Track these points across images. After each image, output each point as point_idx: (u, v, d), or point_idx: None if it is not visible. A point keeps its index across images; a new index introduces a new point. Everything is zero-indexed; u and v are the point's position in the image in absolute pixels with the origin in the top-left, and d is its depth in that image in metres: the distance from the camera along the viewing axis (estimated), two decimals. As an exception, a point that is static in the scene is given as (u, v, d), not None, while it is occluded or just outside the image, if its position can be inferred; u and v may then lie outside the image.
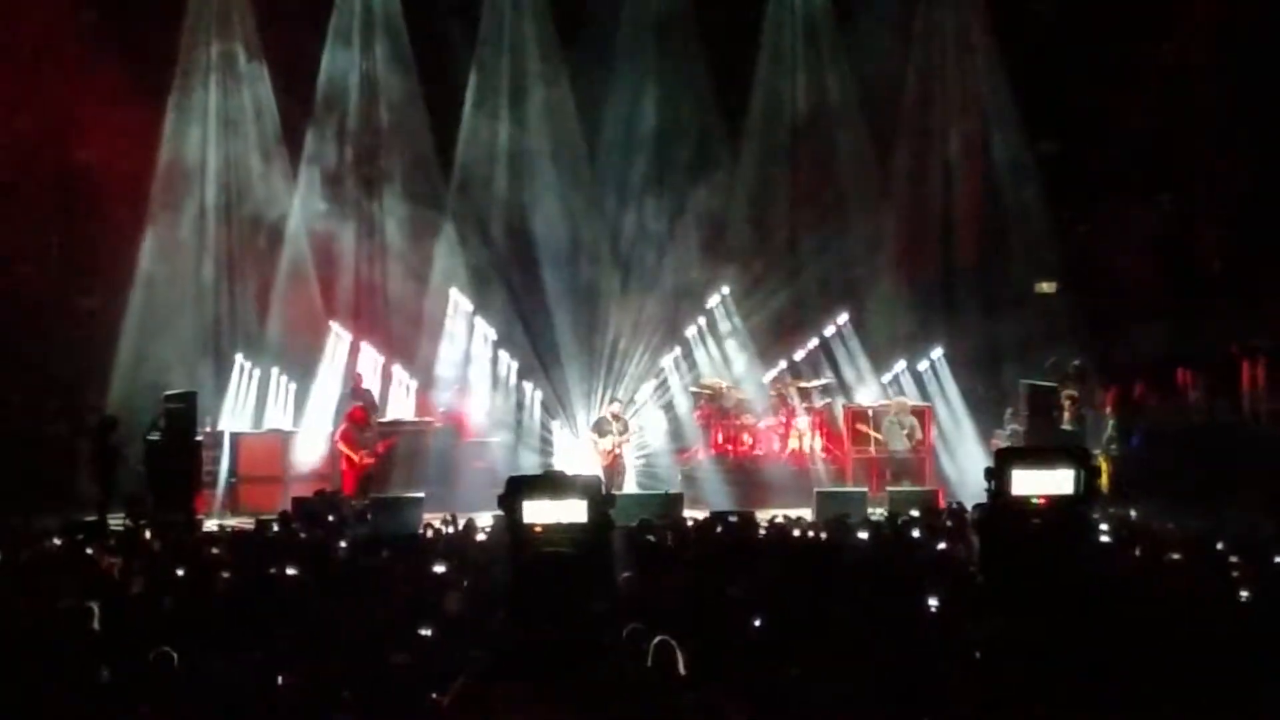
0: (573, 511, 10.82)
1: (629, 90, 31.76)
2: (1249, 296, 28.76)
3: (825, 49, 32.00)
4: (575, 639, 9.84)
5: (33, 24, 28.19)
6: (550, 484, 11.34)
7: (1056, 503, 11.72)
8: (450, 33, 31.52)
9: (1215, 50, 28.80)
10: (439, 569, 15.17)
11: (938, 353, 30.58)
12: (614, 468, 27.84)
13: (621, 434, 28.17)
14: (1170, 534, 18.08)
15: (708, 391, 30.62)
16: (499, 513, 13.03)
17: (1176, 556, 15.37)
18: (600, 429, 28.41)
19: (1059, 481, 11.83)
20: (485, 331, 30.91)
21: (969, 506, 19.61)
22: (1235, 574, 14.03)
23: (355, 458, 27.07)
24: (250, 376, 29.98)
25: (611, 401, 29.37)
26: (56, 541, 18.78)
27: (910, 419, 28.79)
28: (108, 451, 25.31)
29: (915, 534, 18.42)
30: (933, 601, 12.36)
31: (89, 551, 17.20)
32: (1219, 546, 16.08)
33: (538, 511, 10.82)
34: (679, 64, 31.68)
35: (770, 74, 32.19)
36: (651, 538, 17.80)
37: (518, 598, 10.62)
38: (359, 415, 27.67)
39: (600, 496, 11.05)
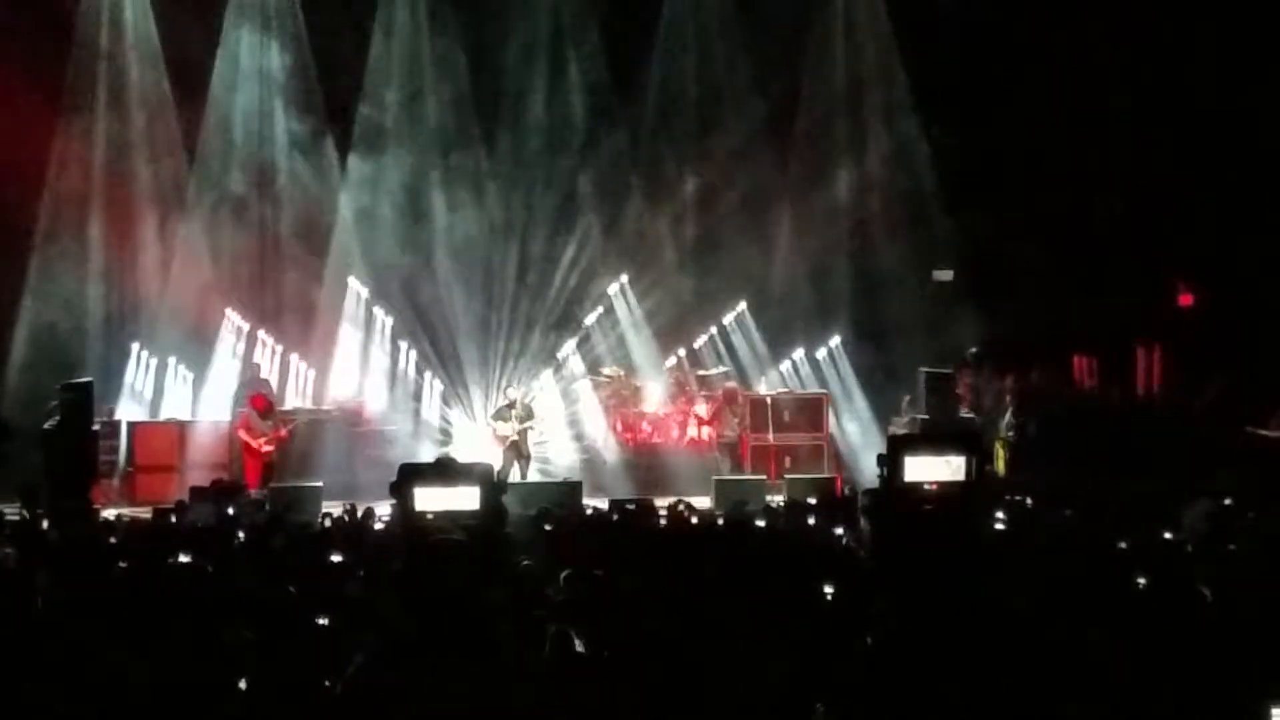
0: (464, 499, 10.81)
1: (526, 71, 31.65)
2: (1142, 283, 29.08)
3: (722, 34, 31.98)
4: (469, 627, 9.83)
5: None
6: (441, 471, 11.33)
7: (948, 489, 11.81)
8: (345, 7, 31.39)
9: (1114, 33, 29.00)
10: (336, 558, 15.12)
11: (835, 340, 30.74)
12: (516, 454, 27.85)
13: (523, 420, 28.16)
14: (1063, 520, 18.21)
15: (607, 379, 30.68)
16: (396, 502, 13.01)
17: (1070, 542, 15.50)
18: (500, 415, 28.40)
19: (951, 468, 11.91)
20: (383, 319, 30.80)
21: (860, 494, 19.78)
22: (1126, 559, 14.16)
23: (255, 445, 26.99)
24: (147, 365, 29.80)
25: (506, 388, 29.36)
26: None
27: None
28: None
29: (811, 521, 18.51)
30: (828, 589, 12.40)
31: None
32: (1112, 531, 16.21)
33: (429, 499, 10.81)
34: (577, 45, 31.66)
35: (668, 57, 32.12)
36: (549, 526, 17.83)
37: (411, 585, 10.60)
38: (260, 403, 27.61)
39: (493, 483, 11.06)
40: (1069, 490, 20.66)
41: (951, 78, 29.85)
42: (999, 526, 17.23)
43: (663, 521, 19.75)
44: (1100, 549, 14.83)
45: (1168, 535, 15.54)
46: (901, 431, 25.77)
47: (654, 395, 30.96)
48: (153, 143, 30.66)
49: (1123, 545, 15.00)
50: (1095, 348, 30.05)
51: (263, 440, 27.02)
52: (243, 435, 27.25)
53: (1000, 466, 26.64)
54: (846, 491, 23.73)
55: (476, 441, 29.05)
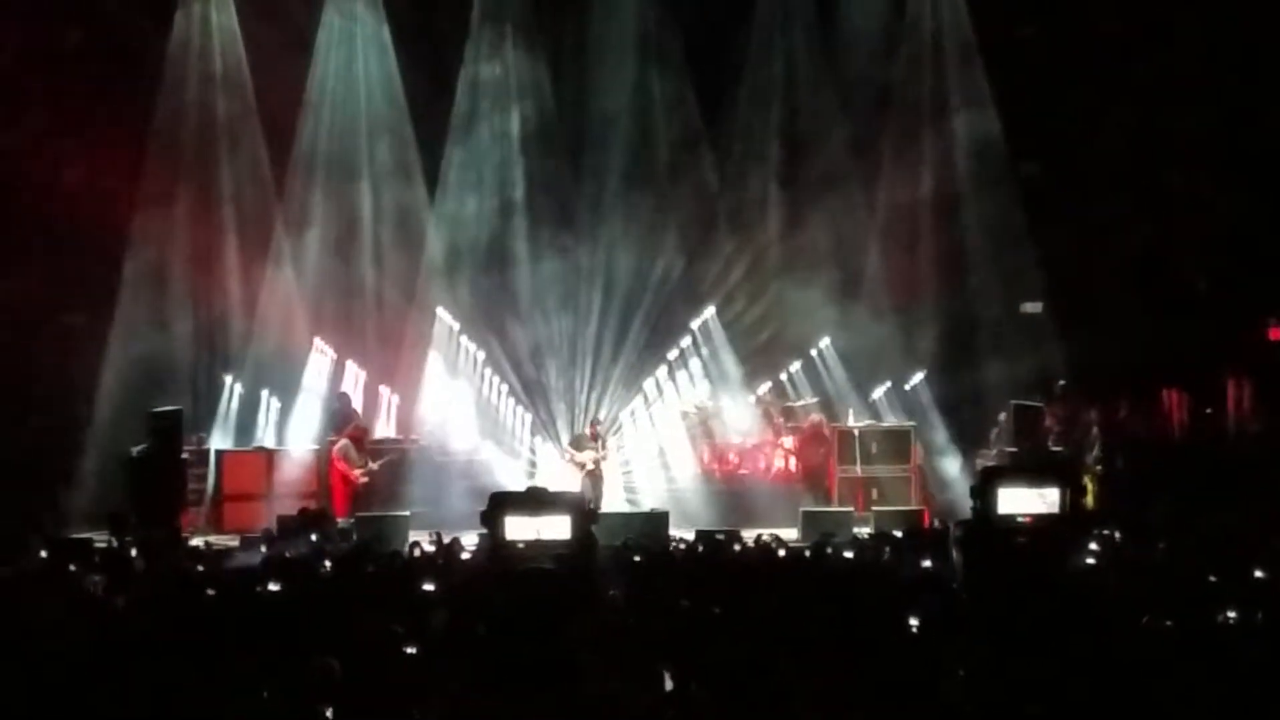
0: (555, 528, 10.80)
1: (612, 99, 31.69)
2: (1233, 316, 28.80)
3: (808, 64, 31.97)
4: (557, 657, 9.80)
5: (13, 40, 28.11)
6: (533, 500, 11.34)
7: (1042, 521, 11.71)
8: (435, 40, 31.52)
9: (1198, 69, 28.79)
10: (427, 587, 15.12)
11: (923, 373, 30.56)
12: (593, 484, 27.89)
13: (600, 450, 28.22)
14: (1153, 553, 18.03)
15: (694, 411, 30.63)
16: (485, 530, 12.98)
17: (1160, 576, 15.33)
18: (578, 444, 28.48)
19: (1045, 500, 11.82)
20: (472, 350, 30.86)
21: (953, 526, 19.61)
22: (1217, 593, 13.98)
23: (353, 476, 27.08)
24: (235, 394, 29.94)
25: (594, 421, 29.40)
26: (43, 555, 18.75)
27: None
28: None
29: (899, 553, 18.39)
30: (913, 621, 12.30)
31: (72, 569, 17.13)
32: (1203, 566, 16.03)
33: (520, 528, 10.80)
34: (663, 73, 31.71)
35: (754, 88, 32.15)
36: (638, 557, 17.78)
37: (499, 614, 10.57)
38: (358, 435, 27.74)
39: (584, 513, 11.04)
40: (1158, 524, 20.47)
41: (1038, 107, 29.66)
42: (1090, 560, 17.09)
43: (750, 552, 19.68)
44: (1191, 583, 14.67)
45: (1259, 573, 15.35)
46: (992, 464, 25.59)
47: (742, 426, 30.83)
48: (241, 174, 30.79)
49: (1213, 579, 14.84)
50: (1185, 380, 29.74)
51: (359, 472, 27.12)
52: (340, 465, 27.34)
53: (1089, 500, 26.39)
54: (935, 524, 23.52)
55: (559, 471, 29.02)
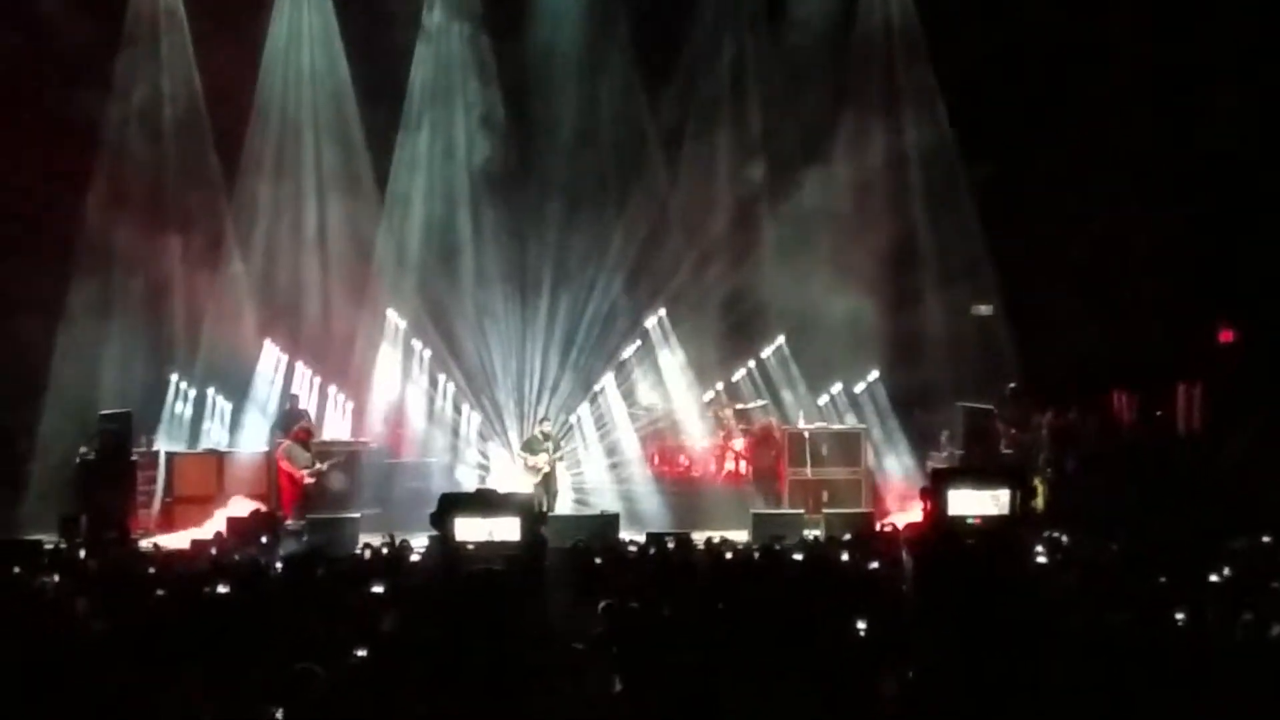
0: (505, 529, 10.78)
1: (560, 100, 31.65)
2: (1183, 319, 28.92)
3: (757, 61, 32.06)
4: (507, 658, 9.80)
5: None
6: (482, 502, 11.32)
7: (992, 523, 11.75)
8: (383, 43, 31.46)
9: (1149, 71, 28.94)
10: (377, 589, 15.08)
11: (874, 375, 30.60)
12: (545, 485, 27.92)
13: (554, 452, 28.25)
14: (1104, 555, 18.12)
15: (645, 413, 30.66)
16: (435, 532, 12.97)
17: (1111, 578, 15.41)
18: (531, 447, 28.49)
19: (996, 503, 11.85)
20: (420, 351, 30.81)
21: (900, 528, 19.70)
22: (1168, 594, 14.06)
23: (297, 475, 27.03)
24: (185, 396, 29.84)
25: (542, 420, 29.38)
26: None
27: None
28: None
29: (846, 556, 18.43)
30: (860, 625, 12.32)
31: (16, 571, 17.06)
32: (1151, 567, 16.11)
33: (470, 529, 10.78)
34: (610, 70, 31.71)
35: (704, 91, 32.15)
36: (586, 558, 17.79)
37: (448, 615, 10.57)
38: (303, 435, 27.69)
39: (533, 515, 11.04)
40: (1108, 527, 20.57)
41: (990, 111, 29.74)
42: (1040, 560, 17.17)
43: (700, 555, 19.70)
44: (1140, 585, 14.75)
45: (1213, 577, 15.43)
46: (942, 465, 25.68)
47: (692, 429, 30.85)
48: (190, 173, 30.65)
49: (1163, 580, 14.91)
50: (1135, 384, 29.84)
51: (304, 473, 27.07)
52: (285, 466, 27.30)
53: (1039, 502, 26.49)
54: (884, 526, 23.59)
55: (512, 474, 29.01)
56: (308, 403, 29.92)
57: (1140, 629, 12.01)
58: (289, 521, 25.27)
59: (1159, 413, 29.33)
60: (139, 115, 30.54)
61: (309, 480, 27.13)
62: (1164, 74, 28.90)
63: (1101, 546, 18.70)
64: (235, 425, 30.17)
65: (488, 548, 10.69)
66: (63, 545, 21.52)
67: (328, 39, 31.41)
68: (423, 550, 19.23)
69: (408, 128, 31.69)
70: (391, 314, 30.94)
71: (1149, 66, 29.07)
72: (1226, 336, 29.80)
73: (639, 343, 31.33)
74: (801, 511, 27.03)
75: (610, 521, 25.34)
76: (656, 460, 30.35)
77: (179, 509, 27.90)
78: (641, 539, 21.91)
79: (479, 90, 31.69)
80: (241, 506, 26.23)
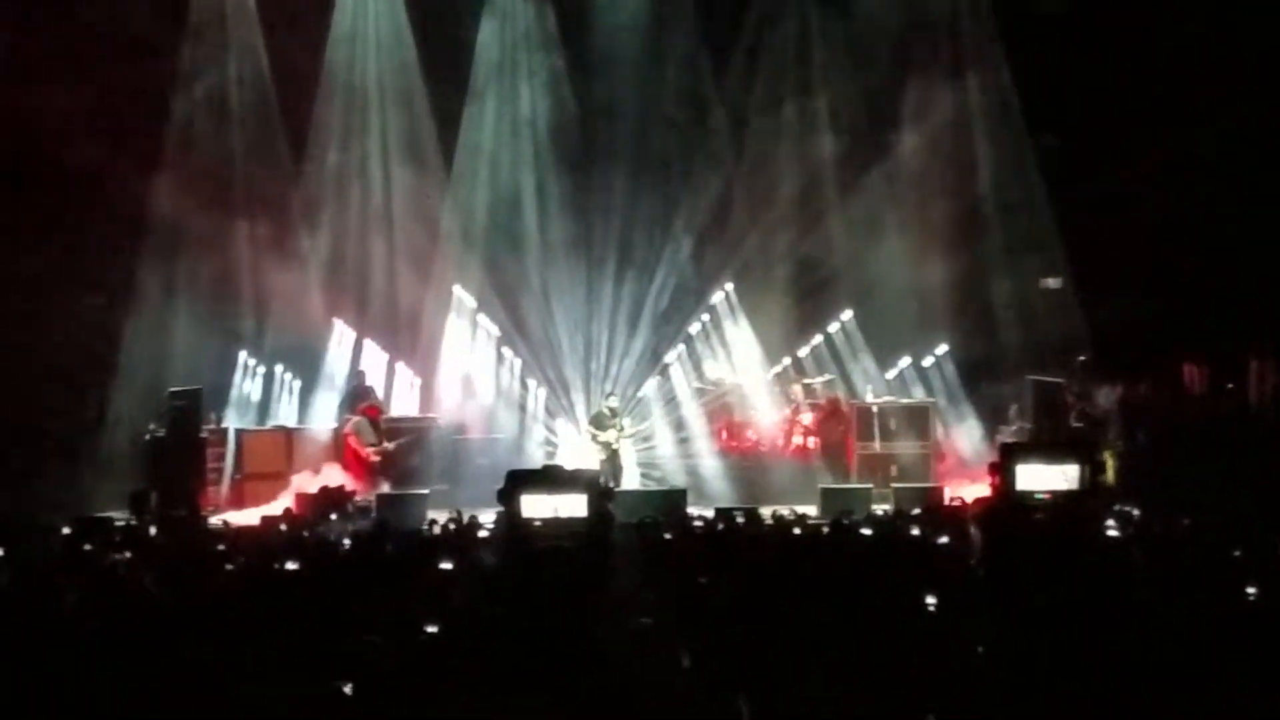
0: (572, 506, 10.76)
1: (626, 71, 31.59)
2: (1255, 290, 28.63)
3: (824, 39, 31.88)
4: (574, 634, 9.79)
5: (32, 19, 28.06)
6: (549, 478, 11.29)
7: (1062, 498, 11.67)
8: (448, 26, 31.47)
9: (1222, 32, 28.59)
10: (445, 565, 15.09)
11: (942, 349, 30.47)
12: (612, 461, 27.90)
13: (620, 428, 28.23)
14: (1175, 530, 17.99)
15: (712, 388, 30.62)
16: (502, 509, 12.97)
17: (1182, 552, 15.30)
18: (598, 423, 28.46)
19: (1065, 476, 11.77)
20: (488, 328, 30.83)
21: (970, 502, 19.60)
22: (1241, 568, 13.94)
23: (364, 453, 27.13)
24: (254, 373, 29.97)
25: (608, 396, 29.35)
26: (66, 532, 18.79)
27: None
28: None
29: (916, 531, 18.36)
30: (930, 600, 12.26)
31: (88, 548, 17.14)
32: (1223, 541, 15.98)
33: (537, 506, 10.77)
34: (678, 47, 31.61)
35: (769, 61, 31.99)
36: (654, 534, 17.77)
37: (517, 593, 10.57)
38: (373, 413, 27.81)
39: (600, 491, 11.02)
40: (1179, 500, 20.43)
41: (1057, 80, 29.52)
42: (1111, 533, 17.03)
43: (766, 529, 19.65)
44: (1212, 559, 14.63)
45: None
46: (1011, 440, 25.53)
47: (760, 403, 30.79)
48: (260, 153, 30.73)
49: (1235, 554, 14.79)
50: (1206, 356, 29.58)
51: (371, 450, 27.17)
52: (353, 443, 27.41)
53: (1109, 476, 26.31)
54: (952, 500, 23.48)
55: (580, 449, 29.03)
56: (375, 380, 30.00)
57: (1212, 604, 11.91)
58: (358, 498, 25.34)
59: (1230, 385, 29.06)
60: (207, 95, 30.65)
61: (375, 459, 27.23)
62: (1238, 35, 28.54)
63: (1172, 521, 18.57)
64: (304, 402, 30.27)
65: (554, 524, 10.67)
66: (133, 522, 21.62)
67: (393, 12, 31.40)
68: (491, 526, 19.25)
69: (473, 101, 31.67)
70: (458, 289, 30.95)
71: (1222, 27, 28.73)
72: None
73: (706, 316, 31.27)
74: (870, 486, 26.92)
75: (678, 497, 25.31)
76: (724, 435, 30.31)
77: (248, 486, 28.08)
78: (709, 514, 21.82)
79: (544, 62, 31.68)
80: (311, 483, 26.35)
